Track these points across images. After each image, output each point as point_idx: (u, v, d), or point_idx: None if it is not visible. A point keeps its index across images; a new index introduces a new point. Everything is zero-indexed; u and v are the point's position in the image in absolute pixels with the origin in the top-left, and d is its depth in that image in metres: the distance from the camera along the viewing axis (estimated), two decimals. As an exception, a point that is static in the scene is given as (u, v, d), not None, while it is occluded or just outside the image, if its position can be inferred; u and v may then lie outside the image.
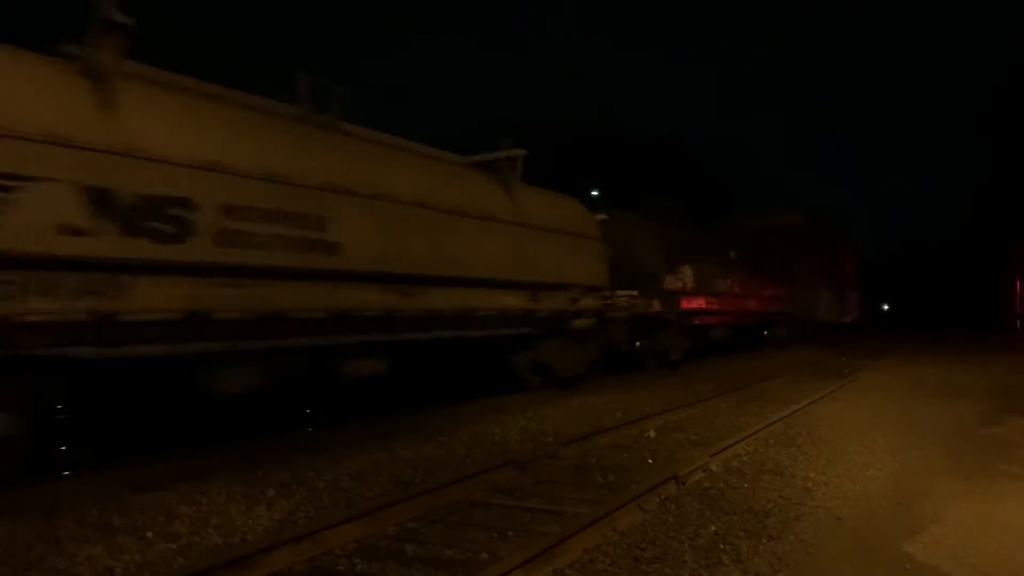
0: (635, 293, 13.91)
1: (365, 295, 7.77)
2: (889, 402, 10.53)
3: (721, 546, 4.46)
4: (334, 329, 7.42)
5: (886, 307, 63.95)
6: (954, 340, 26.99)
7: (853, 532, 4.79)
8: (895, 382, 13.30)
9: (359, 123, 8.72)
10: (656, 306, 15.40)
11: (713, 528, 4.78)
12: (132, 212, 5.74)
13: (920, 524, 4.91)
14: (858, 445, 7.40)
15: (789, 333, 25.64)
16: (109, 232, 5.59)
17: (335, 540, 4.48)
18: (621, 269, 13.53)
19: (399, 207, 8.28)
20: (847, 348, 23.15)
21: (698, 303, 17.68)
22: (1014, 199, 40.72)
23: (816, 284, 28.93)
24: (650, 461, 6.85)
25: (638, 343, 14.97)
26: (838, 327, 33.01)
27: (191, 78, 7.08)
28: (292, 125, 7.76)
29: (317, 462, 6.54)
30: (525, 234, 10.58)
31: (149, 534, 4.70)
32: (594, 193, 26.81)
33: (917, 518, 5.05)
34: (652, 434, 8.17)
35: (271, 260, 6.72)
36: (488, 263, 9.67)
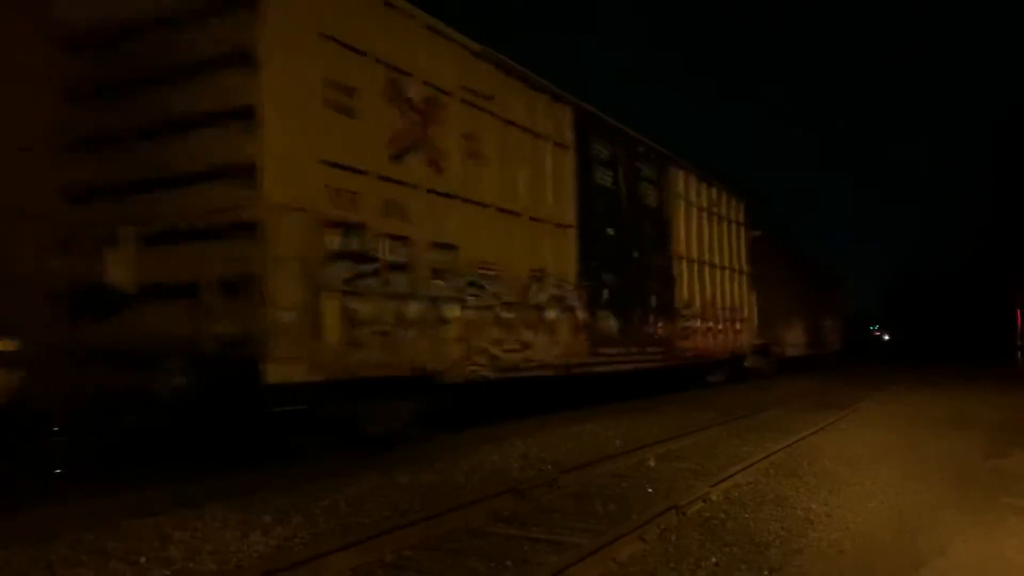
0: None
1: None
2: (891, 433, 10.46)
3: (722, 578, 4.41)
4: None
5: (887, 337, 63.96)
6: (955, 371, 26.88)
7: (855, 565, 4.72)
8: (897, 413, 13.22)
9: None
10: None
11: (714, 559, 4.72)
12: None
13: (924, 558, 4.85)
14: (860, 476, 7.33)
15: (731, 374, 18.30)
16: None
17: (331, 567, 4.42)
18: None
19: None
20: (848, 378, 23.06)
21: None
22: (1014, 232, 40.81)
23: (784, 309, 23.24)
24: (650, 490, 6.79)
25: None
26: (811, 360, 27.65)
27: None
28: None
29: (314, 488, 6.48)
30: None
31: (143, 559, 4.65)
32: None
33: (921, 552, 4.99)
34: (652, 463, 8.11)
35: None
36: None
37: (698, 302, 15.40)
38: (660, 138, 14.43)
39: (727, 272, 17.24)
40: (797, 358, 24.93)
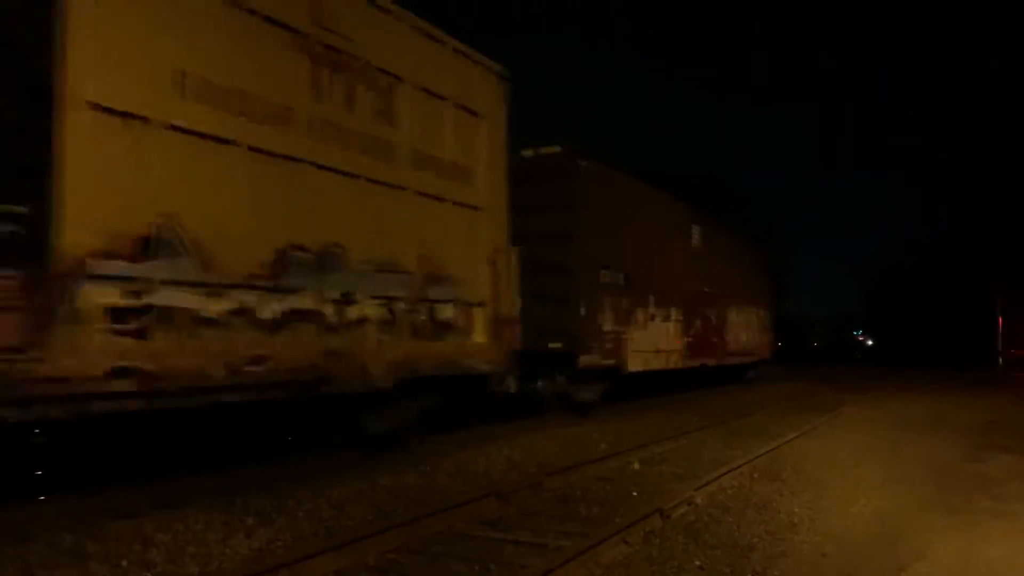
0: None
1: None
2: (874, 437, 10.53)
3: (705, 581, 4.42)
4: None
5: (870, 342, 64.49)
6: (937, 375, 27.12)
7: (838, 569, 4.74)
8: (879, 417, 13.31)
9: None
10: None
11: (697, 563, 4.73)
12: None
13: (905, 561, 4.88)
14: (843, 480, 7.38)
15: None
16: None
17: (314, 570, 4.40)
18: None
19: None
20: (832, 382, 23.22)
21: None
22: (996, 238, 41.23)
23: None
24: (634, 493, 6.80)
25: None
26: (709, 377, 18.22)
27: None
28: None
29: (298, 490, 6.45)
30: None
31: (124, 562, 4.61)
32: None
33: (902, 555, 5.02)
34: (637, 466, 8.12)
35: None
36: None
37: (268, 257, 6.39)
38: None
39: (422, 200, 8.20)
40: (666, 373, 15.71)
